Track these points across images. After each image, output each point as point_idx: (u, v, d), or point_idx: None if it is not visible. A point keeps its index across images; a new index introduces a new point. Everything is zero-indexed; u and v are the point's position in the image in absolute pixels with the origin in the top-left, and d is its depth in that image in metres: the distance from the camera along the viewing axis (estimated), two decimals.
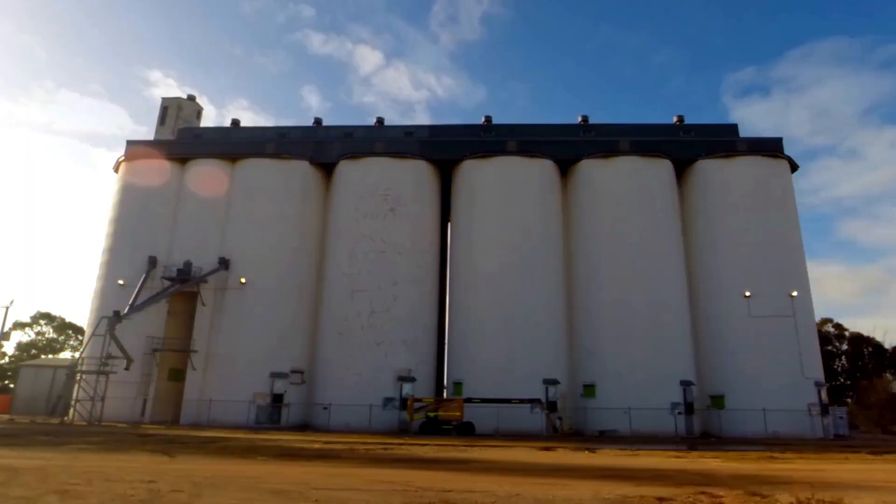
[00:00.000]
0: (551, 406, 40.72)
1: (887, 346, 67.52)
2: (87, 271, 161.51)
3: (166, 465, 16.17)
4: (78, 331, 79.28)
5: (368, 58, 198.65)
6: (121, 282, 46.18)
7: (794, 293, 42.60)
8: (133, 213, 48.64)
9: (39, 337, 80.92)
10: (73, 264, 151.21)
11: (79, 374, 41.96)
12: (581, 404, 42.25)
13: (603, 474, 15.74)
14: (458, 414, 38.30)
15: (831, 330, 69.83)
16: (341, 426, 40.39)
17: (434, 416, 38.49)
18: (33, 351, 77.84)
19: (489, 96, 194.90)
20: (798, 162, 47.83)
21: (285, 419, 42.72)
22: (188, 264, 45.25)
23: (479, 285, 44.56)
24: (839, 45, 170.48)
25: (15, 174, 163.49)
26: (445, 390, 45.46)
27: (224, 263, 45.69)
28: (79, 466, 14.76)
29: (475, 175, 47.84)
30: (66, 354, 78.60)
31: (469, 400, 39.35)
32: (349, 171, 48.71)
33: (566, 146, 49.11)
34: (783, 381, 40.52)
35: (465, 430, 37.69)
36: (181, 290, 44.97)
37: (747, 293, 42.61)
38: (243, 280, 45.25)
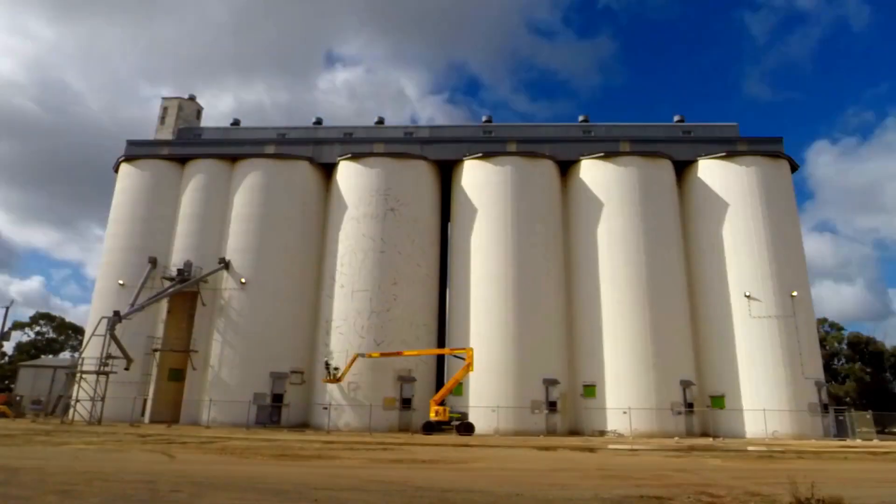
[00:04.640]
0: (552, 406, 40.87)
1: (887, 346, 67.51)
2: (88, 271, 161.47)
3: (166, 465, 16.16)
4: (78, 331, 79.26)
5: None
6: (121, 282, 46.21)
7: (795, 293, 42.57)
8: (133, 213, 48.63)
9: (39, 337, 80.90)
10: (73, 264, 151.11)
11: (79, 374, 41.94)
12: (581, 404, 42.26)
13: (603, 474, 15.73)
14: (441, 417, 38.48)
15: (831, 330, 69.80)
16: (341, 426, 40.40)
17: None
18: (33, 351, 77.80)
19: (490, 96, 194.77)
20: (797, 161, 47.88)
21: (285, 419, 42.72)
22: (188, 264, 45.23)
23: (479, 285, 44.53)
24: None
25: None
26: None
27: (224, 263, 45.68)
28: (78, 466, 14.76)
29: (475, 175, 47.81)
30: (66, 354, 78.62)
31: None
32: (349, 171, 48.67)
33: (566, 146, 49.10)
34: (783, 381, 40.50)
35: (466, 430, 37.71)
36: (181, 290, 44.95)
37: (747, 293, 42.60)
38: (243, 280, 45.23)
